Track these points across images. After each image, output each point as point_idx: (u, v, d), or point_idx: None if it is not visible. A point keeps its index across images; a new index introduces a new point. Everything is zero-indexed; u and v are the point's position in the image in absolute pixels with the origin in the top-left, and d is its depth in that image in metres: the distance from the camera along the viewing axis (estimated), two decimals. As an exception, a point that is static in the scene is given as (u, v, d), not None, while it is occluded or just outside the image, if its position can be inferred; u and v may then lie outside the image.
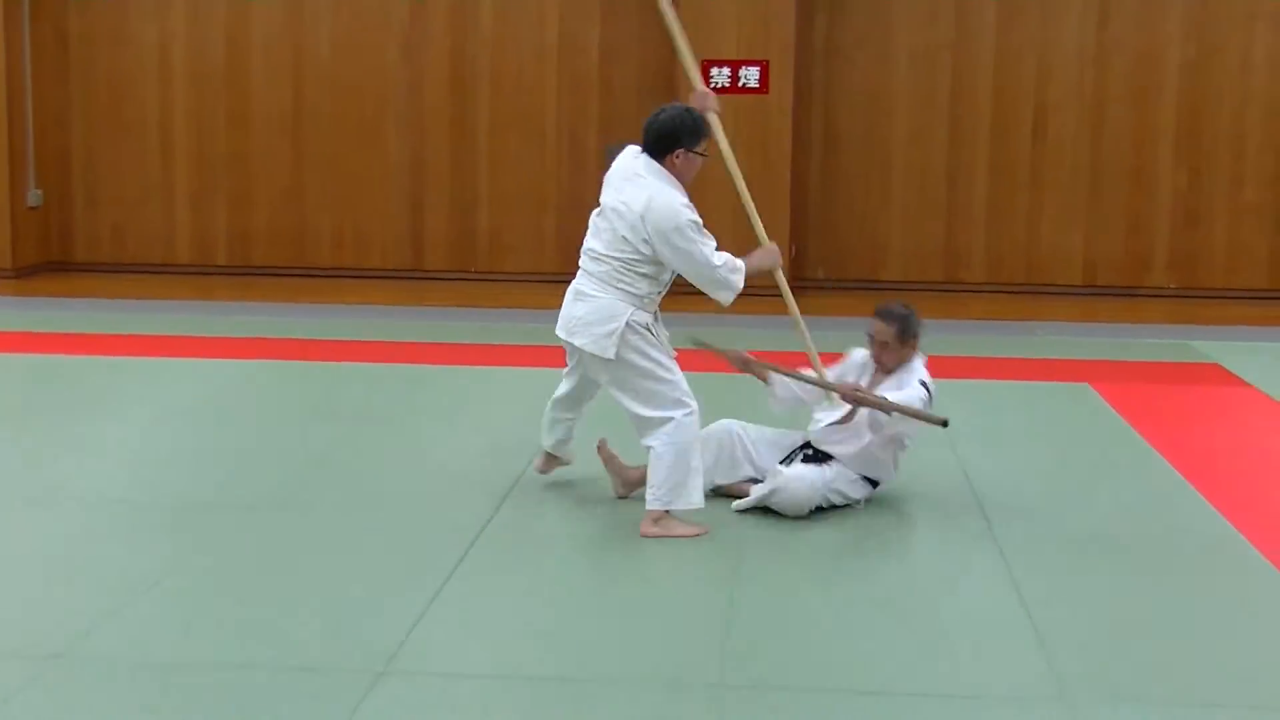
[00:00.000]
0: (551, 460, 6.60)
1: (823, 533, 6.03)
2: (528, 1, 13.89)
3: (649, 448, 5.98)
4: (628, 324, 5.92)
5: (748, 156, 12.99)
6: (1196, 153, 13.66)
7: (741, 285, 6.03)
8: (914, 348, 6.45)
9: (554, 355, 6.68)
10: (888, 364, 6.43)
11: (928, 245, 13.88)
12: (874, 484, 6.44)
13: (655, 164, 5.99)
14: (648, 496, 5.97)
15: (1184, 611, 5.16)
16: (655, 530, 5.92)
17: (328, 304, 12.51)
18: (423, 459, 7.12)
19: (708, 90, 6.35)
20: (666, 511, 5.94)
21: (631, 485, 6.40)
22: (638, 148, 6.09)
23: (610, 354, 5.92)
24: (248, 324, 11.29)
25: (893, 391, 6.26)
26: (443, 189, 14.11)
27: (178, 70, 14.22)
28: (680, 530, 5.95)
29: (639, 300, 5.98)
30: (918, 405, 6.15)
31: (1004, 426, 8.13)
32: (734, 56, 12.95)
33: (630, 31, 13.80)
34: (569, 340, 6.09)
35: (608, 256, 5.98)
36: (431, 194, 14.13)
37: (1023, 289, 13.83)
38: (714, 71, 12.88)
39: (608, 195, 6.08)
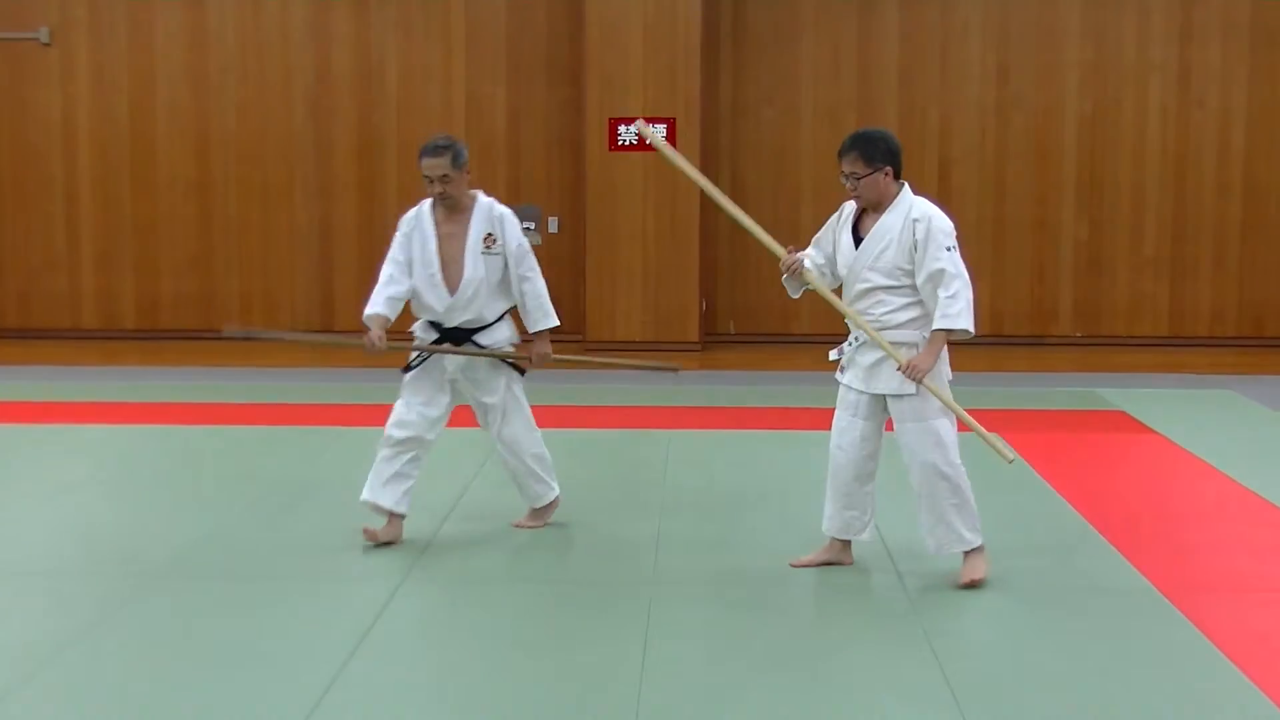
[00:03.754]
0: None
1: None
2: (432, 65, 13.93)
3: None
4: None
5: (656, 214, 13.11)
6: (1098, 205, 13.92)
7: None
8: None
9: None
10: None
11: (836, 299, 13.95)
12: None
13: None
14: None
15: (1098, 661, 5.20)
16: None
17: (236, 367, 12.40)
18: (336, 521, 7.04)
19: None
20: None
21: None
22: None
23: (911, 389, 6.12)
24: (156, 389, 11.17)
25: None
26: (350, 253, 14.07)
27: (82, 138, 14.12)
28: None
29: None
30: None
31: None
32: (640, 114, 13.03)
33: (536, 93, 13.87)
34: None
35: None
36: (340, 258, 14.09)
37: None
38: (621, 129, 12.97)
39: None
